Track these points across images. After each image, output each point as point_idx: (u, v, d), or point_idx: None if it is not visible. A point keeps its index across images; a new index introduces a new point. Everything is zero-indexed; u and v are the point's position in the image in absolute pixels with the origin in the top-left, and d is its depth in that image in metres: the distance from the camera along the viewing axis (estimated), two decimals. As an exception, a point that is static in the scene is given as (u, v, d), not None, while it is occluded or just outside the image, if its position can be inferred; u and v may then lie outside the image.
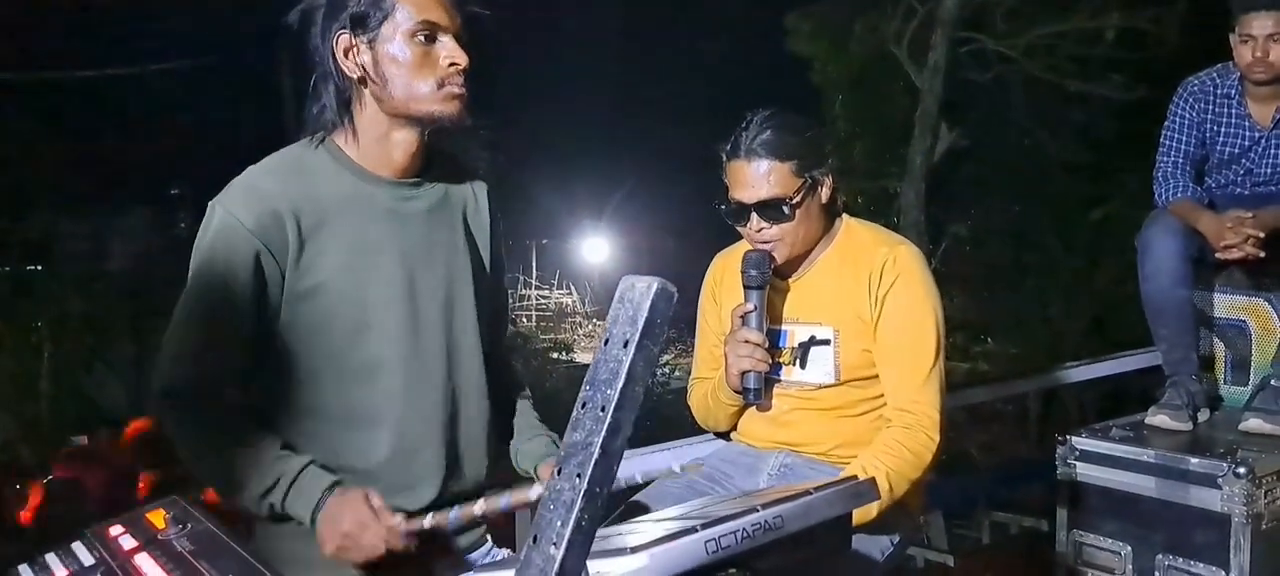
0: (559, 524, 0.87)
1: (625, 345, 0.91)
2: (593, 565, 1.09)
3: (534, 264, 24.33)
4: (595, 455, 0.88)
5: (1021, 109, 11.22)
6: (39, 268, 12.39)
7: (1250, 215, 2.92)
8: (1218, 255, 2.98)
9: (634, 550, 1.08)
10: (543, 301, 23.90)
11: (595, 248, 24.62)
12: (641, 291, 0.93)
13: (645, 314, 0.91)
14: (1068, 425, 2.96)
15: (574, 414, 0.92)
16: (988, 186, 12.23)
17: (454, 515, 1.57)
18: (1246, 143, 3.08)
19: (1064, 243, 11.72)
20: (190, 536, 1.20)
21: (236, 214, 1.61)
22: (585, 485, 0.87)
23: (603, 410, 0.89)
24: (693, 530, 1.15)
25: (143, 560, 1.18)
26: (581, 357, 17.68)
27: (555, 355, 18.00)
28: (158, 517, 1.25)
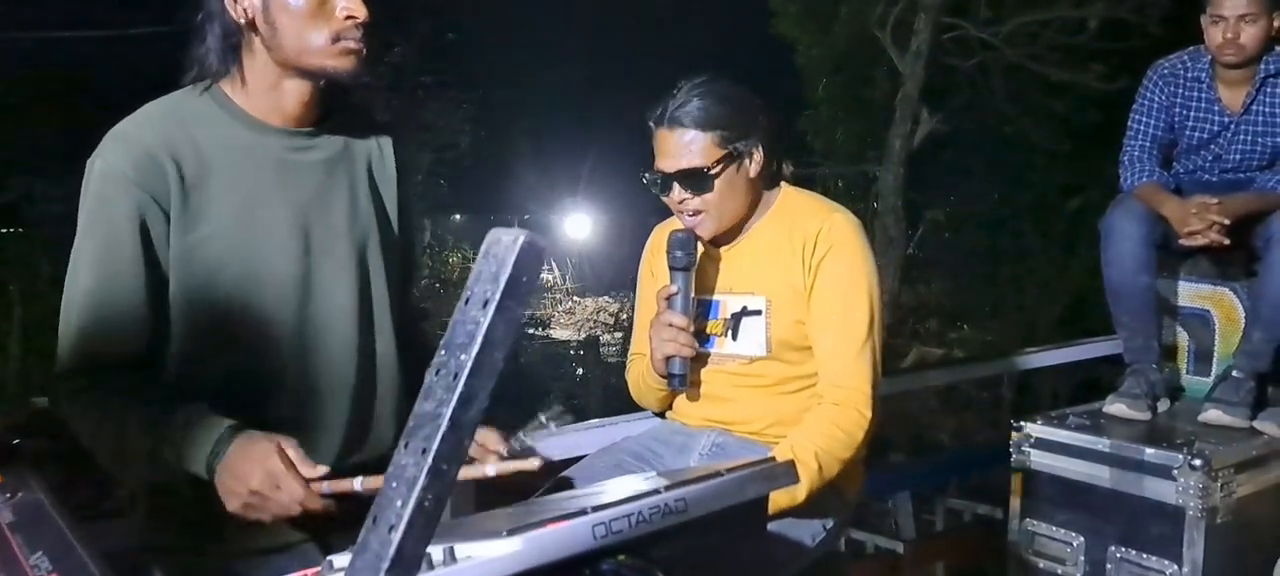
0: (399, 503, 0.77)
1: (485, 305, 0.81)
2: (462, 548, 1.00)
3: (516, 240, 24.06)
4: (443, 428, 0.78)
5: (1003, 96, 11.13)
6: (13, 231, 12.28)
7: (1216, 201, 2.86)
8: (1182, 242, 2.92)
9: (509, 532, 0.99)
10: (523, 277, 23.66)
11: (577, 224, 24.46)
12: (506, 245, 0.83)
13: (509, 271, 0.81)
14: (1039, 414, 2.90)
15: (427, 380, 0.82)
16: (967, 173, 12.17)
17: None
18: (1216, 128, 3.01)
19: (1041, 231, 11.69)
20: (14, 506, 1.11)
21: (114, 163, 1.51)
22: (430, 461, 0.77)
23: (455, 377, 0.79)
24: (580, 512, 1.06)
25: (-48, 528, 1.08)
26: (557, 333, 17.65)
27: (532, 331, 17.92)
28: (-14, 483, 1.16)
